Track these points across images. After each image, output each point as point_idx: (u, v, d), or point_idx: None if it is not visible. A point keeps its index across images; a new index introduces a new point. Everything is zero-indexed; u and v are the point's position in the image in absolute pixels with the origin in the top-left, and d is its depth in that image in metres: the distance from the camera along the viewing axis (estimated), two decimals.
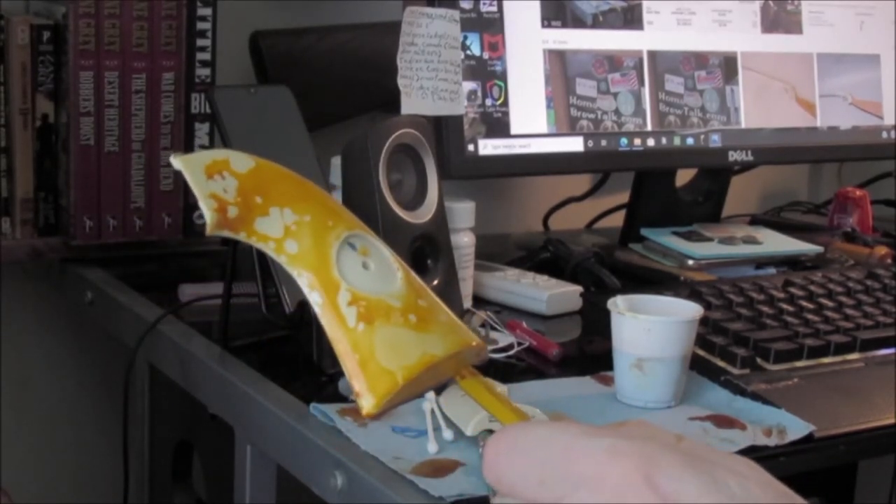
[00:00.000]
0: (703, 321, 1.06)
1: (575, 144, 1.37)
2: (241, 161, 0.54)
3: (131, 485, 1.32)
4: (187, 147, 1.37)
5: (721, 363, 1.07)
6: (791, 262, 1.46)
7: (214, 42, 1.37)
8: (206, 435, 1.22)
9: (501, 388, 1.00)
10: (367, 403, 0.50)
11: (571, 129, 1.37)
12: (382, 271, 0.53)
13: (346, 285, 0.50)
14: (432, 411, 0.94)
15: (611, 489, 0.43)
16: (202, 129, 1.38)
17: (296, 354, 1.07)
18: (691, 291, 1.22)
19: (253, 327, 1.11)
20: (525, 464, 0.46)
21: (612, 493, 0.43)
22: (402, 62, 1.27)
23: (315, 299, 0.50)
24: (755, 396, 1.01)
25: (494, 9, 1.33)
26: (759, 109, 1.51)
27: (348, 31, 1.53)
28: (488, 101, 1.32)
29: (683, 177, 1.56)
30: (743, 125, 1.50)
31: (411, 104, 1.26)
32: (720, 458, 0.45)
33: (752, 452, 0.92)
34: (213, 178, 0.53)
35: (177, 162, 0.53)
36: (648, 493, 0.43)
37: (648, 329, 0.98)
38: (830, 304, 1.23)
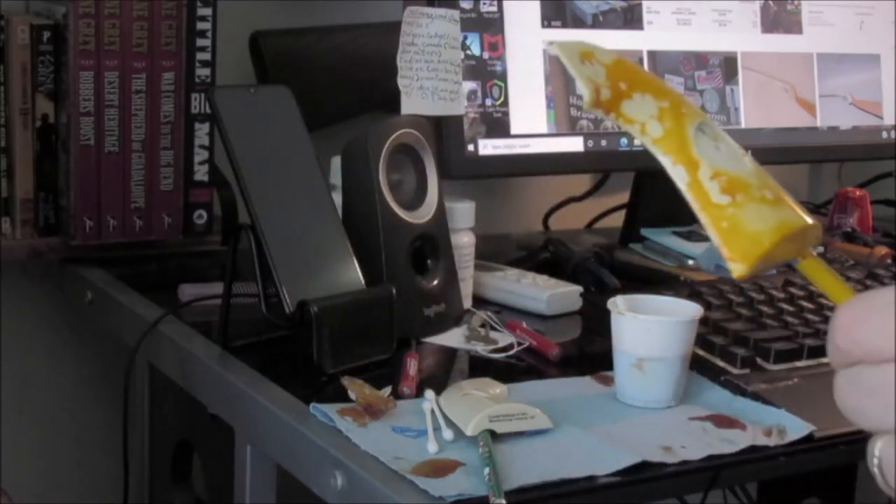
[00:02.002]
0: (703, 321, 1.06)
1: (575, 144, 1.37)
2: (605, 52, 0.60)
3: (131, 485, 1.32)
4: (187, 147, 1.37)
5: (721, 363, 1.07)
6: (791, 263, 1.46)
7: (214, 42, 1.37)
8: (206, 435, 1.22)
9: (501, 388, 1.00)
10: (738, 268, 0.53)
11: (571, 129, 1.37)
12: (732, 154, 0.56)
13: (707, 162, 0.54)
14: (432, 411, 0.94)
15: None
16: (202, 129, 1.38)
17: (296, 354, 1.07)
18: (691, 291, 1.22)
19: (253, 327, 1.11)
20: (887, 321, 0.46)
21: None
22: (402, 62, 1.27)
23: (679, 175, 0.54)
24: (755, 396, 1.01)
25: (494, 9, 1.33)
26: (759, 109, 1.51)
27: (348, 31, 1.53)
28: (488, 101, 1.32)
29: None
30: (743, 125, 1.50)
31: (411, 104, 1.26)
32: None
33: (752, 452, 0.92)
34: (584, 63, 0.58)
35: (554, 48, 0.60)
36: None
37: (648, 329, 0.98)
38: (830, 304, 1.23)
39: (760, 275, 1.03)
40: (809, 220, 0.56)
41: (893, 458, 0.47)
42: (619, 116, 0.57)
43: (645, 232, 1.49)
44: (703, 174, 0.54)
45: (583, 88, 0.58)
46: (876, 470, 0.49)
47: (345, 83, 1.51)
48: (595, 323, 1.22)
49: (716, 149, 0.55)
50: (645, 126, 0.56)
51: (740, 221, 0.54)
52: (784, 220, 0.54)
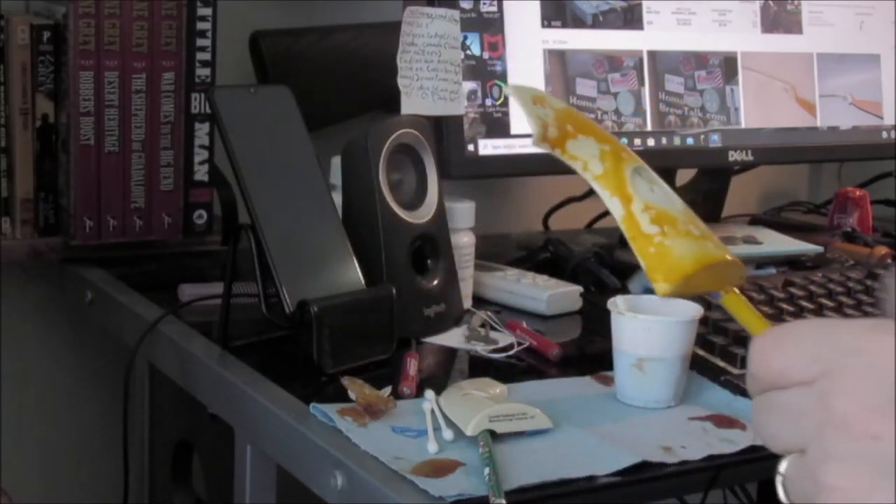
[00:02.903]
0: (703, 321, 1.06)
1: None
2: (556, 101, 0.68)
3: (131, 485, 1.32)
4: (187, 147, 1.38)
5: (721, 363, 1.07)
6: (791, 262, 1.46)
7: (214, 42, 1.37)
8: (206, 435, 1.22)
9: (501, 388, 1.00)
10: (662, 287, 0.59)
11: None
12: (665, 195, 0.63)
13: (640, 198, 0.60)
14: (432, 411, 0.94)
15: (874, 355, 0.47)
16: (202, 129, 1.38)
17: (296, 354, 1.07)
18: None
19: (253, 327, 1.11)
20: (795, 347, 0.50)
21: (875, 359, 0.47)
22: (402, 62, 1.27)
23: (616, 207, 0.61)
24: None
25: (494, 9, 1.33)
26: (759, 109, 1.51)
27: (348, 31, 1.53)
28: (488, 101, 1.32)
29: (683, 177, 1.56)
30: (743, 125, 1.50)
31: (411, 104, 1.26)
32: None
33: (751, 452, 0.92)
34: (536, 105, 0.65)
35: (509, 90, 0.74)
36: None
37: (648, 329, 0.98)
38: (830, 304, 1.23)
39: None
40: (730, 257, 0.60)
41: (797, 477, 0.49)
42: (564, 153, 0.64)
43: None
44: (636, 207, 0.60)
45: (532, 125, 0.65)
46: (780, 487, 0.51)
47: (345, 83, 1.51)
48: (595, 323, 1.22)
49: (650, 189, 0.60)
50: (587, 164, 0.63)
51: (666, 249, 0.59)
52: (706, 253, 0.59)
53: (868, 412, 0.46)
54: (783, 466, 0.50)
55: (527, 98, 0.66)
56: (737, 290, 0.58)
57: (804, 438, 0.48)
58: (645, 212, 0.60)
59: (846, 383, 0.47)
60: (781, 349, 0.50)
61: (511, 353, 1.12)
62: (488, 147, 1.32)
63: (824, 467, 0.47)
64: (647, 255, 0.59)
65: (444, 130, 1.28)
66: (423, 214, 1.17)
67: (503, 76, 1.33)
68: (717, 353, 1.09)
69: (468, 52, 1.31)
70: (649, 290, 0.61)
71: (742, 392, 1.02)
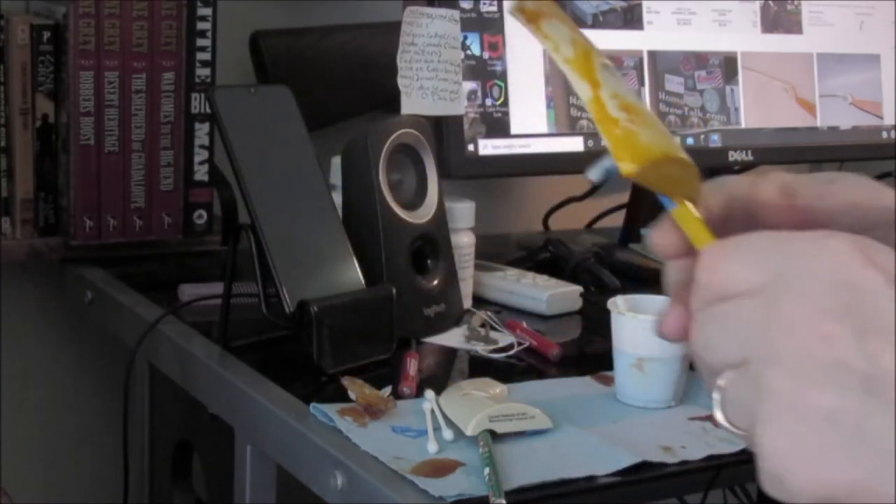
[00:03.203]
0: None
1: (575, 144, 1.37)
2: None
3: (131, 485, 1.32)
4: (187, 147, 1.38)
5: None
6: None
7: (214, 42, 1.37)
8: (206, 435, 1.22)
9: (501, 388, 1.00)
10: (627, 166, 0.58)
11: (571, 129, 1.37)
12: (632, 93, 0.62)
13: (608, 86, 0.60)
14: (432, 411, 0.94)
15: (828, 257, 0.44)
16: (202, 129, 1.38)
17: (296, 354, 1.07)
18: None
19: (253, 327, 1.11)
20: (745, 254, 0.47)
21: (830, 261, 0.44)
22: (402, 62, 1.27)
23: (584, 90, 0.60)
24: None
25: (494, 9, 1.33)
26: (759, 109, 1.51)
27: (348, 31, 1.53)
28: (488, 101, 1.32)
29: None
30: (743, 125, 1.50)
31: (411, 104, 1.26)
32: None
33: (752, 452, 0.92)
34: None
35: None
36: (864, 261, 0.44)
37: (648, 329, 0.98)
38: None
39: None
40: (693, 165, 0.59)
41: (737, 387, 0.46)
42: (538, 30, 0.64)
43: (645, 232, 1.49)
44: (605, 93, 0.59)
45: None
46: (719, 412, 0.49)
47: (345, 83, 1.51)
48: (595, 323, 1.22)
49: (617, 83, 0.60)
50: (559, 45, 0.62)
51: (633, 133, 0.59)
52: (674, 146, 0.59)
53: (818, 313, 0.43)
54: (722, 381, 0.47)
55: None
56: (690, 204, 0.57)
57: (748, 347, 0.45)
58: (613, 98, 0.59)
59: (796, 285, 0.44)
60: (730, 256, 0.47)
61: (511, 353, 1.12)
62: (488, 147, 1.32)
63: (768, 371, 0.44)
64: (613, 137, 0.59)
65: (444, 130, 1.28)
66: (423, 214, 1.17)
67: (503, 76, 1.33)
68: None
69: (468, 52, 1.31)
70: (610, 172, 0.60)
71: None
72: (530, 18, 0.66)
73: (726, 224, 0.54)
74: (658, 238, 0.55)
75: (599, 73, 0.60)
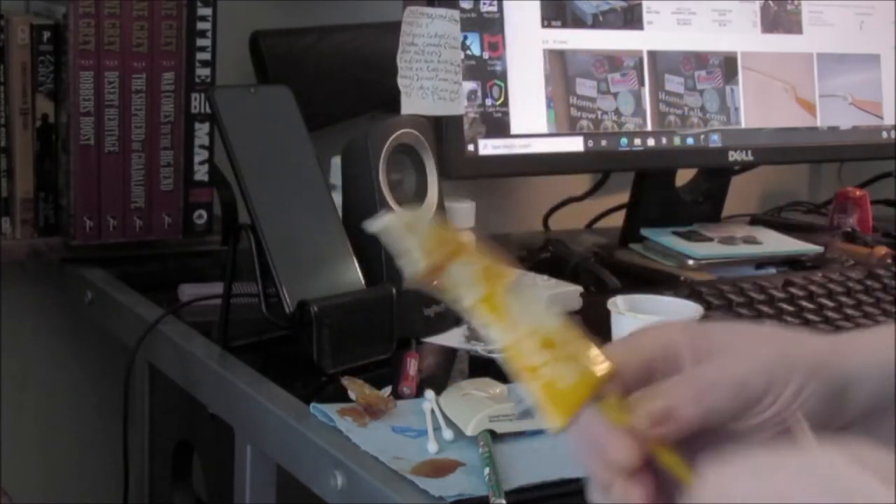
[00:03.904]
0: (704, 321, 1.06)
1: (575, 144, 1.37)
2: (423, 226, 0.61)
3: (131, 485, 1.32)
4: (187, 147, 1.38)
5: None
6: (791, 262, 1.46)
7: (214, 42, 1.37)
8: (206, 435, 1.22)
9: (501, 388, 1.00)
10: (555, 424, 0.57)
11: (571, 129, 1.37)
12: (542, 311, 0.59)
13: (523, 320, 0.57)
14: (432, 411, 0.94)
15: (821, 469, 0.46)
16: (202, 129, 1.38)
17: (296, 354, 1.07)
18: (691, 291, 1.22)
19: (253, 327, 1.11)
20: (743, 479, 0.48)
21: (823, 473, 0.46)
22: (402, 62, 1.27)
23: (499, 336, 0.57)
24: None
25: (494, 9, 1.33)
26: (759, 109, 1.51)
27: (348, 31, 1.53)
28: (488, 101, 1.32)
29: (683, 177, 1.56)
30: (743, 125, 1.50)
31: (411, 104, 1.26)
32: None
33: None
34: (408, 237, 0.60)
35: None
36: (856, 466, 0.46)
37: None
38: (830, 304, 1.23)
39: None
40: (604, 370, 0.57)
41: None
42: (443, 282, 0.59)
43: (645, 232, 1.49)
44: (523, 334, 0.57)
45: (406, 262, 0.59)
46: None
47: (345, 83, 1.51)
48: (595, 323, 1.21)
49: (531, 306, 0.57)
50: (462, 293, 0.58)
51: (554, 385, 0.56)
52: (586, 376, 0.57)
53: None
54: None
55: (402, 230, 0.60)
56: (610, 396, 0.57)
57: None
58: (532, 336, 0.57)
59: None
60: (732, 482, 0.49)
61: None
62: (488, 147, 1.32)
63: None
64: (538, 393, 0.57)
65: (444, 130, 1.28)
66: (423, 215, 1.17)
67: (503, 76, 1.33)
68: None
69: (468, 52, 1.31)
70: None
71: None
72: (434, 272, 0.59)
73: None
74: (618, 453, 0.55)
75: (511, 306, 0.57)
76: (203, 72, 1.37)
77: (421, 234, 0.59)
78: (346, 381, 0.98)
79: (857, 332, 0.59)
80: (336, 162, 1.19)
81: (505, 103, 1.33)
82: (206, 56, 1.37)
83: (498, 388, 1.00)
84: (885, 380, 0.56)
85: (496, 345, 0.58)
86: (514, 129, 1.33)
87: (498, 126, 1.32)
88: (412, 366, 1.04)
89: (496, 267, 0.59)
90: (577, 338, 0.58)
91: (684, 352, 0.57)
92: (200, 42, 1.36)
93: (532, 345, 0.57)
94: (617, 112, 1.40)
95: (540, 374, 0.56)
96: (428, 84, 1.27)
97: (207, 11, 1.36)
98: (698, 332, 0.57)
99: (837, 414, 0.55)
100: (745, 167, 1.64)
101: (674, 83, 1.44)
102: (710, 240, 1.48)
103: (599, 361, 0.57)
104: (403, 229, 0.59)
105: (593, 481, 0.56)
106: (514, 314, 0.57)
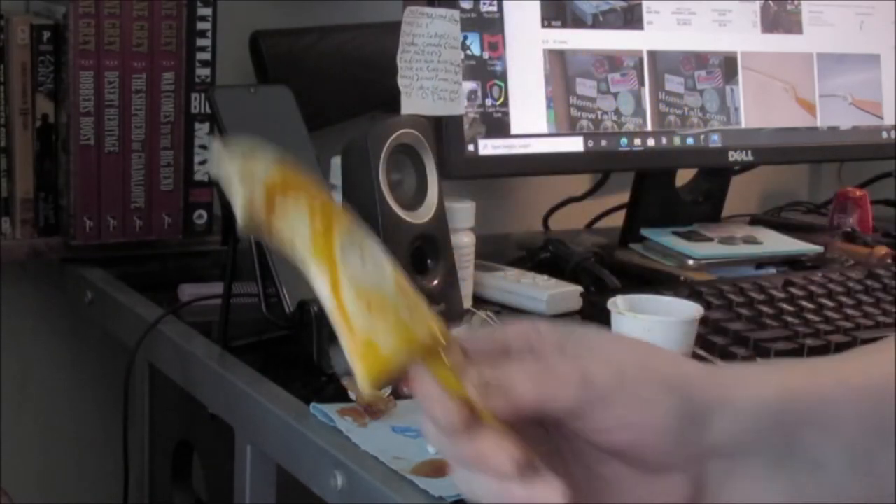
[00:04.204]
0: (703, 321, 1.06)
1: (575, 144, 1.37)
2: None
3: (131, 485, 1.32)
4: (187, 147, 1.38)
5: (721, 363, 1.07)
6: (791, 262, 1.46)
7: (214, 42, 1.37)
8: (206, 435, 1.22)
9: None
10: (367, 386, 0.54)
11: (571, 129, 1.37)
12: (371, 271, 0.56)
13: (346, 271, 0.54)
14: None
15: None
16: (202, 129, 1.38)
17: (296, 354, 1.07)
18: (691, 291, 1.22)
19: (253, 327, 1.11)
20: None
21: None
22: (402, 62, 1.27)
23: (321, 284, 0.54)
24: None
25: (494, 9, 1.33)
26: (759, 109, 1.51)
27: (348, 31, 1.53)
28: (488, 101, 1.32)
29: (683, 177, 1.56)
30: (743, 125, 1.50)
31: (411, 104, 1.26)
32: None
33: None
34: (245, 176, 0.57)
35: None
36: None
37: (648, 329, 0.98)
38: (830, 304, 1.23)
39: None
40: (436, 333, 0.55)
41: None
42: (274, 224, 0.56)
43: (645, 232, 1.49)
44: (344, 285, 0.54)
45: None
46: None
47: (345, 83, 1.51)
48: (595, 323, 1.21)
49: (359, 263, 0.55)
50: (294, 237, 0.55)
51: (373, 345, 0.54)
52: (413, 332, 0.54)
53: None
54: None
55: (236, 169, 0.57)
56: (440, 354, 0.54)
57: None
58: (352, 288, 0.54)
59: None
60: None
61: None
62: (488, 147, 1.32)
63: None
64: (354, 353, 0.54)
65: (444, 130, 1.28)
66: (423, 214, 1.17)
67: (503, 76, 1.33)
68: (717, 353, 1.09)
69: (468, 52, 1.31)
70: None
71: None
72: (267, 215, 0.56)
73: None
74: (441, 413, 0.53)
75: (339, 254, 0.53)
76: (203, 72, 1.37)
77: (256, 178, 0.56)
78: (346, 381, 0.98)
79: (753, 365, 0.59)
80: (336, 162, 1.19)
81: (505, 103, 1.33)
82: (206, 56, 1.37)
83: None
84: (760, 418, 0.54)
85: (319, 294, 0.54)
86: (514, 129, 1.33)
87: (498, 126, 1.32)
88: None
89: (335, 206, 0.55)
90: (412, 300, 0.55)
91: (547, 346, 0.56)
92: (200, 42, 1.36)
93: (357, 299, 0.54)
94: (617, 112, 1.40)
95: (358, 331, 0.53)
96: (428, 84, 1.27)
97: (207, 11, 1.36)
98: (566, 332, 0.56)
99: (695, 437, 0.54)
100: (745, 167, 1.64)
101: (674, 83, 1.44)
102: (710, 240, 1.48)
103: (432, 327, 0.54)
104: (236, 176, 0.56)
105: (425, 432, 0.55)
106: (345, 263, 0.54)
